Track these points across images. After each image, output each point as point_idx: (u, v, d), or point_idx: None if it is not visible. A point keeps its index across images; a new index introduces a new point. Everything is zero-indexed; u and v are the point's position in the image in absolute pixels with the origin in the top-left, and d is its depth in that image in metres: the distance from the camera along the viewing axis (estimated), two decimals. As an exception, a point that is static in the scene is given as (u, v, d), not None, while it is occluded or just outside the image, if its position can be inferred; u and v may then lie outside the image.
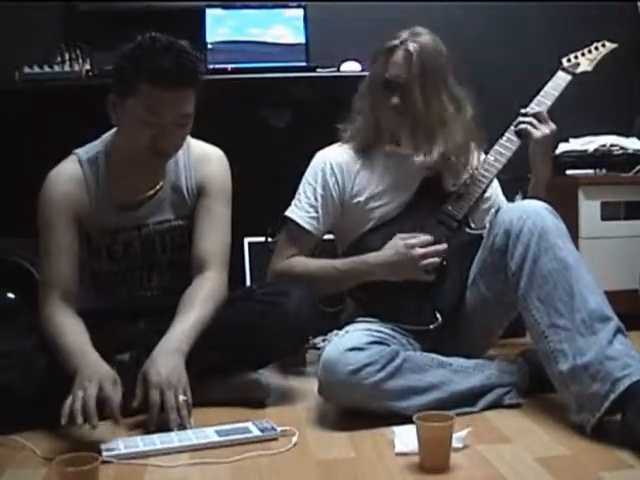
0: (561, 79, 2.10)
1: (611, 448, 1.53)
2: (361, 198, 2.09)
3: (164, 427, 1.67)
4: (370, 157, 2.12)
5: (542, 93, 2.08)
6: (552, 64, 2.13)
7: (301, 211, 2.10)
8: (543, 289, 1.70)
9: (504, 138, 2.05)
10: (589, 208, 2.73)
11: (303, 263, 2.07)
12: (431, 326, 1.90)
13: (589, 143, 2.89)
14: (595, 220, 2.73)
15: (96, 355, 1.73)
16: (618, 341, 1.61)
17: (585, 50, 2.17)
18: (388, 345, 1.79)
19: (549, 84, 2.10)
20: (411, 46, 1.99)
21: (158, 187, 1.95)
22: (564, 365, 1.63)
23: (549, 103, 2.06)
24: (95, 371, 1.67)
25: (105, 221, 1.92)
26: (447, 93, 2.03)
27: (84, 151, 1.93)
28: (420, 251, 1.91)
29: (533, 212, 1.78)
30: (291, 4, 2.95)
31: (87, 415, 1.58)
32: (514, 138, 2.05)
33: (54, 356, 1.76)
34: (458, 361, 1.85)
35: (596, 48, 2.18)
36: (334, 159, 2.12)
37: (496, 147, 2.05)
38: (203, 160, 1.99)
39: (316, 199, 2.10)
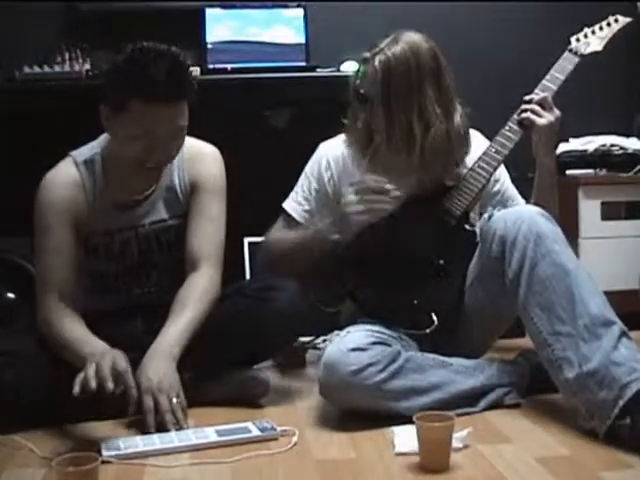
0: (568, 61, 1.98)
1: (611, 448, 1.53)
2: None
3: (161, 429, 1.67)
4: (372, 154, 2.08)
5: (547, 77, 1.98)
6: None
7: (295, 203, 2.11)
8: (543, 296, 1.68)
9: (506, 128, 1.98)
10: (589, 208, 2.73)
11: (273, 238, 2.09)
12: (427, 330, 1.88)
13: (589, 143, 2.89)
14: (595, 220, 2.73)
15: (102, 342, 1.73)
16: (623, 345, 1.59)
17: (596, 27, 2.04)
18: (390, 345, 1.78)
19: (555, 67, 1.99)
20: (377, 60, 1.91)
21: (153, 187, 1.95)
22: (570, 373, 1.62)
23: (554, 88, 1.97)
24: (107, 351, 1.67)
25: (102, 221, 1.92)
26: (418, 109, 1.91)
27: (80, 152, 1.93)
28: (353, 197, 1.83)
29: (527, 217, 1.75)
30: (291, 4, 2.95)
31: (102, 380, 1.57)
32: (516, 128, 1.97)
33: (59, 354, 1.76)
34: (459, 361, 1.85)
35: (608, 24, 2.04)
36: (332, 153, 2.09)
37: (497, 138, 1.98)
38: (196, 158, 1.98)
39: (310, 193, 2.09)
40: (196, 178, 1.96)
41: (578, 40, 2.03)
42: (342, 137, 2.10)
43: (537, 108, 1.94)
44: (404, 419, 1.62)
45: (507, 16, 3.09)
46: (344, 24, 3.00)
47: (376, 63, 1.92)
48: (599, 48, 2.02)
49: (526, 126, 1.96)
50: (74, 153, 1.93)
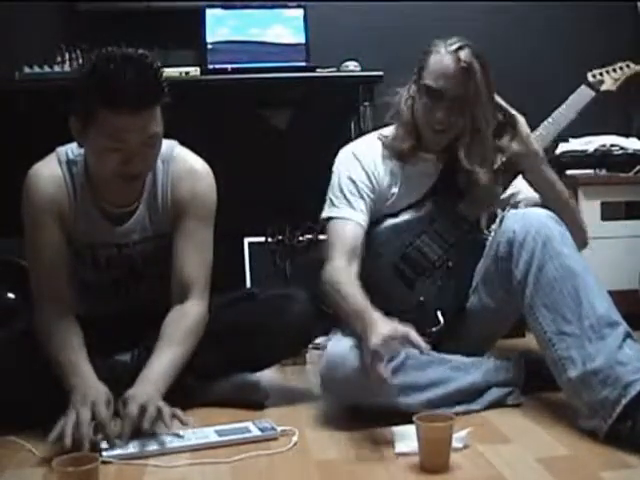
0: (585, 94, 2.07)
1: (611, 448, 1.53)
2: (388, 195, 2.00)
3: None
4: (397, 157, 2.03)
5: (564, 106, 2.03)
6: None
7: (351, 209, 1.95)
8: (549, 296, 1.69)
9: None
10: (589, 208, 2.73)
11: (337, 283, 1.84)
12: (433, 329, 1.89)
13: (589, 143, 2.89)
14: (595, 220, 2.73)
15: (91, 373, 1.68)
16: (628, 346, 1.60)
17: (610, 68, 2.15)
18: None
19: (572, 97, 2.05)
20: (463, 55, 1.88)
21: (137, 203, 1.85)
22: (573, 372, 1.62)
23: (572, 116, 2.02)
24: (88, 393, 1.62)
25: (86, 231, 1.83)
26: (491, 109, 1.93)
27: (65, 152, 1.84)
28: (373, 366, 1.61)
29: (537, 220, 1.77)
30: (291, 4, 2.95)
31: (79, 439, 1.53)
32: None
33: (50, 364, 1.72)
34: (456, 358, 1.86)
35: (620, 68, 2.16)
36: (363, 153, 2.01)
37: None
38: (185, 175, 1.86)
39: (360, 192, 1.96)
40: (183, 198, 1.85)
41: (594, 76, 2.12)
42: (364, 140, 2.06)
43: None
44: (404, 419, 1.62)
45: (507, 17, 3.09)
46: (344, 24, 3.00)
47: (463, 57, 1.87)
48: (613, 88, 2.12)
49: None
50: (59, 150, 1.85)
